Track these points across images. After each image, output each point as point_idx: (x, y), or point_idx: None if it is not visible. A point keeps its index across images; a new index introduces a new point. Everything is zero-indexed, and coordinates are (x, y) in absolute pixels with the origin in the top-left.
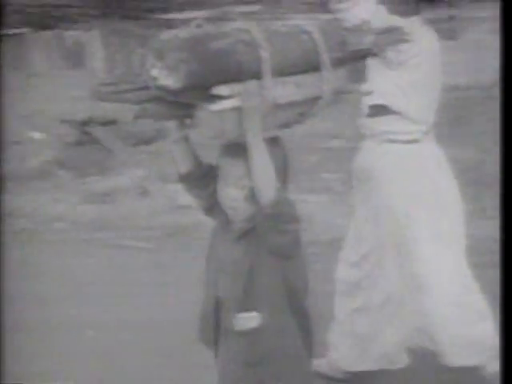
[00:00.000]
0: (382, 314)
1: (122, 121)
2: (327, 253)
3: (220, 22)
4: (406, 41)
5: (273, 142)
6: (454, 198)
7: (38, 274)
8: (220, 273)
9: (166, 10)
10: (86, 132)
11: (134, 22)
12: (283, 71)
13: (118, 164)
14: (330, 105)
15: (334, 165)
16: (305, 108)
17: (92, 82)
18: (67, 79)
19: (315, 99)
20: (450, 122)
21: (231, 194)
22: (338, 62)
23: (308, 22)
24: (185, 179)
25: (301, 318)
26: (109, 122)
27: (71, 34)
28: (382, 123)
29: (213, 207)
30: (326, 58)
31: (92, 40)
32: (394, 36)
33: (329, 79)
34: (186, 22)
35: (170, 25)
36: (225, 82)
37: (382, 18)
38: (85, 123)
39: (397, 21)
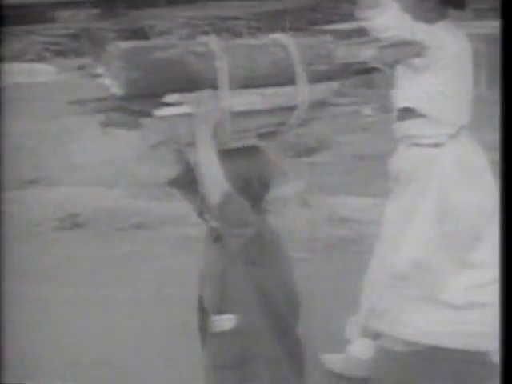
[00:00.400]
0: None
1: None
2: None
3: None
4: (420, 55)
5: (252, 151)
6: (469, 204)
7: None
8: (202, 275)
9: None
10: None
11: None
12: (249, 82)
13: (279, 175)
14: (311, 116)
15: None
16: (282, 118)
17: None
18: None
19: (291, 109)
20: None
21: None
22: (322, 75)
23: (285, 36)
24: (173, 184)
25: (282, 330)
26: (269, 134)
27: None
28: (409, 126)
29: (202, 212)
30: (300, 70)
31: None
32: (408, 50)
33: (303, 91)
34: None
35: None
36: (178, 90)
37: (406, 25)
38: None
39: (421, 28)
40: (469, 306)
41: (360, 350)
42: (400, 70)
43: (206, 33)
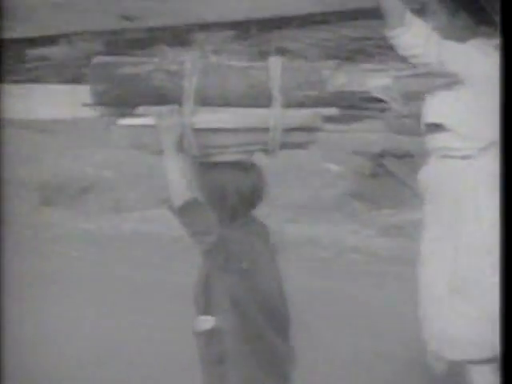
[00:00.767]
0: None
1: (416, 153)
2: None
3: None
4: (448, 88)
5: (243, 167)
6: (492, 217)
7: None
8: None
9: None
10: (380, 164)
11: None
12: (222, 101)
13: (412, 197)
14: (298, 140)
15: None
16: (256, 139)
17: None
18: None
19: (264, 131)
20: None
21: None
22: (312, 101)
23: (275, 59)
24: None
25: (254, 334)
26: (403, 155)
27: None
28: (438, 139)
29: None
30: (276, 93)
31: None
32: (431, 82)
33: (276, 115)
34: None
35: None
36: (145, 104)
37: (433, 44)
38: (380, 155)
39: (450, 47)
40: None
41: None
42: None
43: (336, 56)
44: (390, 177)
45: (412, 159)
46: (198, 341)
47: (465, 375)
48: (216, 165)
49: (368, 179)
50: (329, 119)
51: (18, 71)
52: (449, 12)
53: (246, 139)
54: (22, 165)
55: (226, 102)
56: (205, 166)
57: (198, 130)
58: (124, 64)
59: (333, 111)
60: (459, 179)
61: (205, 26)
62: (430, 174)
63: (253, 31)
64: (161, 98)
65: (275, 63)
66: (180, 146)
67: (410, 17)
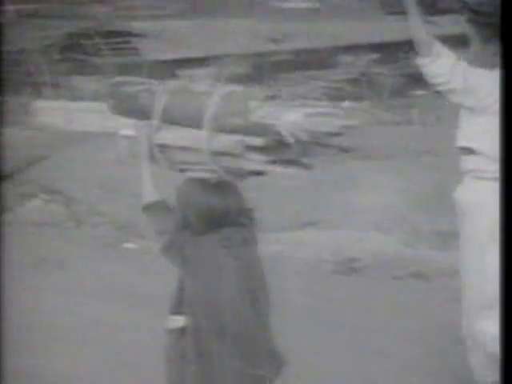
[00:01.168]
0: None
1: None
2: None
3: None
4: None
5: (221, 187)
6: None
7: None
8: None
9: None
10: None
11: None
12: (182, 121)
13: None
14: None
15: None
16: (197, 159)
17: None
18: None
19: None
20: None
21: None
22: (239, 129)
23: (220, 87)
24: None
25: (223, 332)
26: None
27: None
28: (471, 161)
29: None
30: (208, 118)
31: None
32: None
33: (208, 140)
34: None
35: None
36: (133, 117)
37: (458, 73)
38: None
39: (479, 75)
40: None
41: None
42: (462, 111)
43: None
44: None
45: None
46: (169, 339)
47: None
48: (194, 180)
49: None
50: (253, 149)
51: None
52: (482, 39)
53: (202, 159)
54: None
55: (188, 123)
56: (187, 180)
57: (164, 146)
58: (127, 83)
59: (257, 141)
60: (493, 199)
61: (351, 48)
62: (465, 193)
63: (401, 54)
64: (143, 114)
65: (220, 91)
66: (151, 157)
67: (438, 47)
